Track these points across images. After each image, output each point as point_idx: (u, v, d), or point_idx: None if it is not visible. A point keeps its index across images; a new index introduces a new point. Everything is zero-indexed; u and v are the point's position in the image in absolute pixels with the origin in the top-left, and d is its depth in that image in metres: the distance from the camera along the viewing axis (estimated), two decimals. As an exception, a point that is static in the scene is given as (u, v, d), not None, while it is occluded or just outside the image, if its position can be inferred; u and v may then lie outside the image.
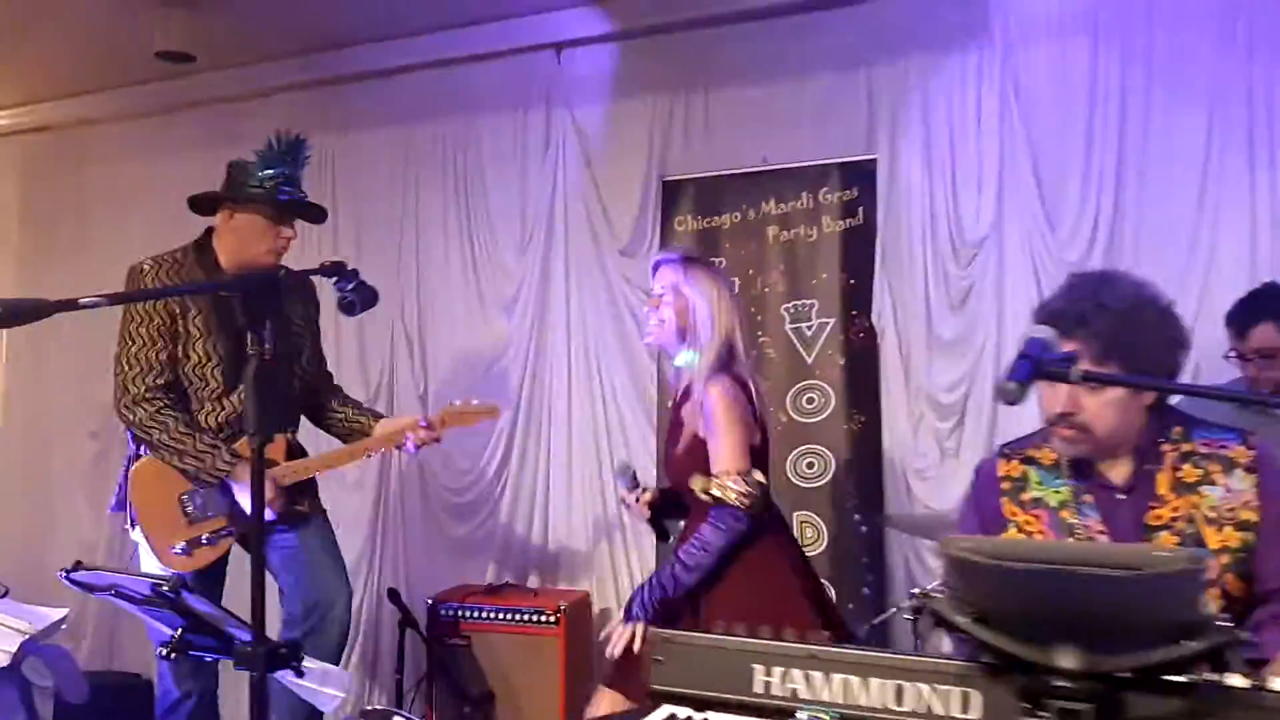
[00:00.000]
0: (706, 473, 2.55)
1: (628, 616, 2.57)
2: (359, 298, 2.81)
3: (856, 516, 3.84)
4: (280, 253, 3.09)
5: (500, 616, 3.84)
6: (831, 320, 3.91)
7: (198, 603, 1.79)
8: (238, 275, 3.06)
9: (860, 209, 3.87)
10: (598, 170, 4.24)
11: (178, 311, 3.01)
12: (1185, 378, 2.13)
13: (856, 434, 3.86)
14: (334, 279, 2.78)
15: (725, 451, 2.51)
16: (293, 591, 3.14)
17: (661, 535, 2.93)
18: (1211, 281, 3.31)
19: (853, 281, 3.88)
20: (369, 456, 3.35)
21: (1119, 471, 1.86)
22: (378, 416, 3.32)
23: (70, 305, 1.71)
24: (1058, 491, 1.90)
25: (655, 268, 2.77)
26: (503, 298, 4.37)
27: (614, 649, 2.55)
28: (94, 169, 5.26)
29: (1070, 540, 1.83)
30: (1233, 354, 2.95)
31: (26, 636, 2.37)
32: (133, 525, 3.07)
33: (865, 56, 3.81)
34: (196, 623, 1.83)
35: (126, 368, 3.01)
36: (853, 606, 3.77)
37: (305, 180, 3.14)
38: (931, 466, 3.68)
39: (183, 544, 2.98)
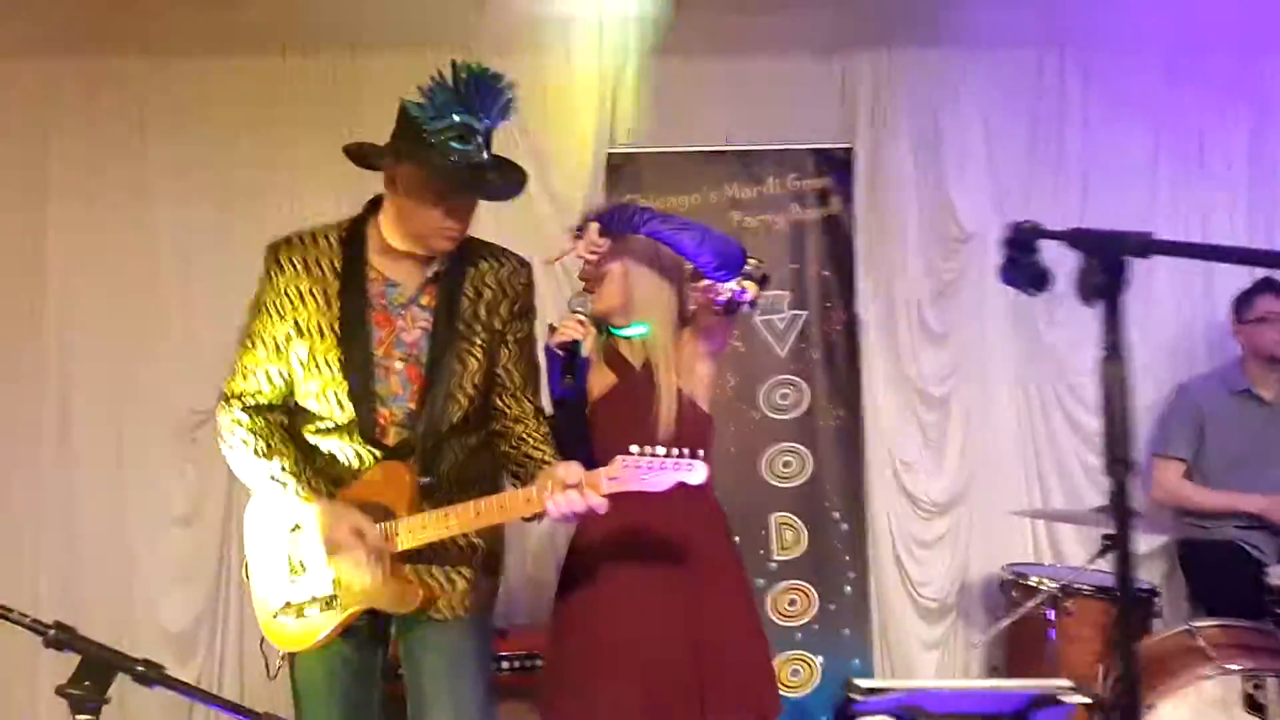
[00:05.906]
0: None
1: None
2: None
3: (836, 515, 3.72)
4: (448, 243, 2.07)
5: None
6: (805, 312, 3.75)
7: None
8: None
9: (834, 198, 3.76)
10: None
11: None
12: None
13: (835, 430, 3.74)
14: None
15: None
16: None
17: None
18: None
19: (825, 273, 3.77)
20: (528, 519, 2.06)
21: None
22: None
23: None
24: None
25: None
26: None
27: None
28: None
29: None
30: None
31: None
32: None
33: (840, 44, 3.73)
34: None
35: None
36: (834, 607, 3.66)
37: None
38: (919, 460, 3.69)
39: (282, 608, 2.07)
